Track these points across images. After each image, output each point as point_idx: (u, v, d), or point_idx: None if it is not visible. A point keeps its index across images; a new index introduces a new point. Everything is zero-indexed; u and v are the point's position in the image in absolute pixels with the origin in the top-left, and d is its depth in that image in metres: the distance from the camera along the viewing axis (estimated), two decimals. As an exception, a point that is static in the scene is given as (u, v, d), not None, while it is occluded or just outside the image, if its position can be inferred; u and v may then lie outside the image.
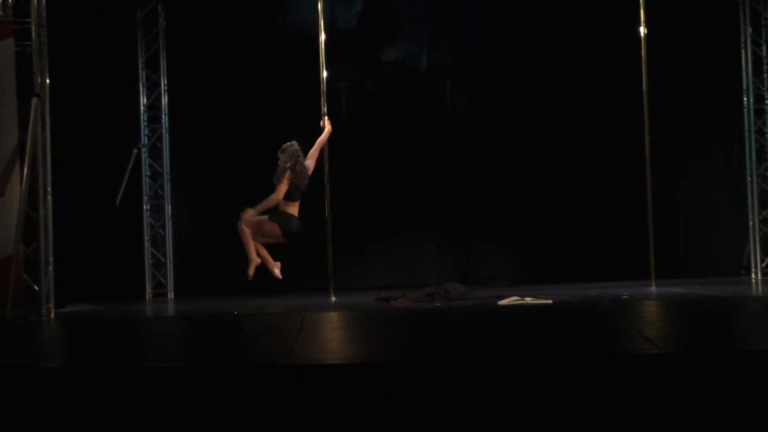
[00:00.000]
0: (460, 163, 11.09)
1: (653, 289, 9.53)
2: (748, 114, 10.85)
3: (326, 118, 9.19)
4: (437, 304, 8.52)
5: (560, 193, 11.00)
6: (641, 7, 9.79)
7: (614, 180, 10.87)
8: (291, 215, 8.65)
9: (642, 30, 9.80)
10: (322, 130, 9.07)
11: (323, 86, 9.53)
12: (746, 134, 10.87)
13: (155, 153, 11.20)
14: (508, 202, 11.07)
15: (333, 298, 9.42)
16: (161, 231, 11.17)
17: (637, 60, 9.87)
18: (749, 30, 10.81)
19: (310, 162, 8.71)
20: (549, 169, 11.01)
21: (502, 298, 8.45)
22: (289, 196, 8.60)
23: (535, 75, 11.06)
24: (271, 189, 8.62)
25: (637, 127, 10.01)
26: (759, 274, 10.56)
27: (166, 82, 11.18)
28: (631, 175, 10.34)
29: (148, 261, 11.10)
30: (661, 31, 10.41)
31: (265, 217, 8.64)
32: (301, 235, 8.76)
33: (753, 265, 10.72)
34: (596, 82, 10.94)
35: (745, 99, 10.86)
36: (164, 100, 11.19)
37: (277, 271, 8.79)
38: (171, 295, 11.08)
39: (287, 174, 8.53)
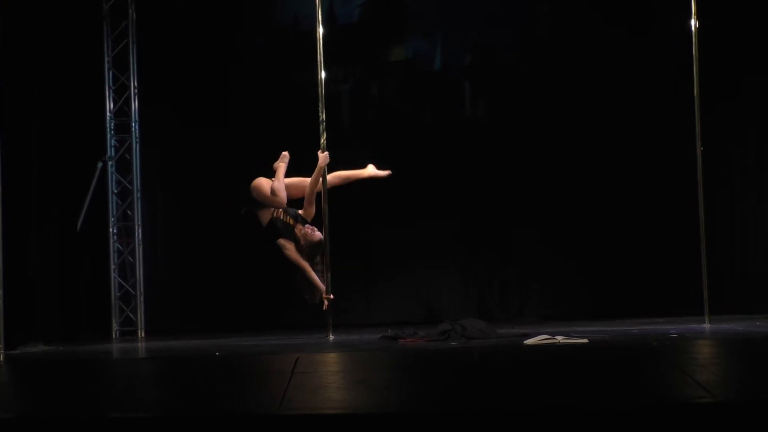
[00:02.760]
0: (480, 179, 11.12)
1: (707, 326, 9.51)
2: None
3: (326, 153, 9.20)
4: (453, 344, 8.52)
5: (597, 215, 11.02)
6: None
7: (660, 199, 10.90)
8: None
9: (693, 23, 9.82)
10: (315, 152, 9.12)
11: (321, 90, 9.56)
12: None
13: (124, 167, 11.25)
14: (537, 226, 11.09)
15: (331, 337, 9.41)
16: (130, 258, 11.20)
17: (685, 60, 9.90)
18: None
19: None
20: (584, 187, 11.03)
21: (529, 336, 8.44)
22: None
23: (567, 76, 11.11)
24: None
25: (685, 138, 10.03)
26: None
27: (136, 84, 11.25)
28: (680, 193, 10.37)
29: (114, 293, 11.13)
30: (714, 26, 10.45)
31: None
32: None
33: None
34: (638, 84, 10.99)
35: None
36: (134, 105, 11.25)
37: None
38: (141, 333, 11.10)
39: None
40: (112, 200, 11.20)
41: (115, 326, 11.10)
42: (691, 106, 9.71)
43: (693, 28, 9.81)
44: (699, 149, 9.76)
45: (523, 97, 11.21)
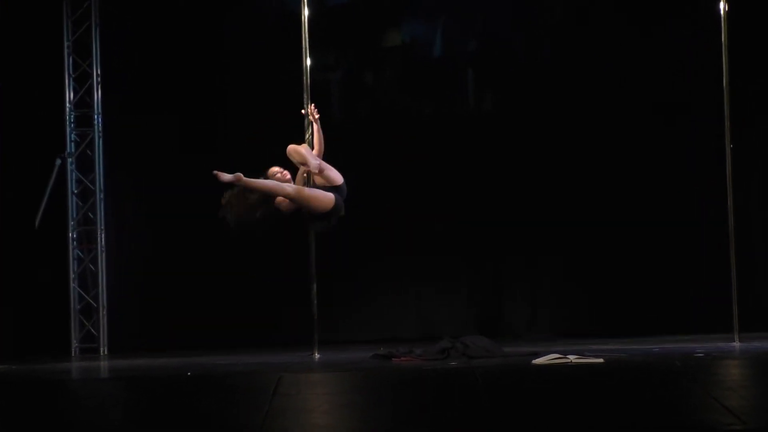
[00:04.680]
0: (484, 180, 11.13)
1: (736, 344, 9.54)
2: None
3: (312, 107, 9.14)
4: (453, 363, 8.53)
5: (615, 220, 11.02)
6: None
7: (684, 203, 10.92)
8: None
9: (722, 6, 9.85)
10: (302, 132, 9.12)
11: (306, 79, 9.58)
12: None
13: (85, 164, 11.26)
14: (548, 232, 11.09)
15: (317, 355, 9.43)
16: (92, 266, 11.20)
17: (713, 47, 9.94)
18: None
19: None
20: (601, 189, 11.03)
21: (538, 355, 8.45)
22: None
23: (582, 65, 11.13)
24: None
25: (712, 135, 10.07)
26: None
27: (99, 72, 11.25)
28: (707, 198, 10.41)
29: (74, 306, 11.13)
30: (745, 9, 10.49)
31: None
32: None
33: None
34: (660, 75, 11.00)
35: None
36: (97, 95, 11.26)
37: None
38: (104, 350, 11.10)
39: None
40: (72, 201, 11.20)
41: (74, 343, 11.10)
42: (719, 96, 9.75)
43: (722, 12, 9.84)
44: (728, 147, 9.79)
45: (534, 88, 11.22)
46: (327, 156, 9.46)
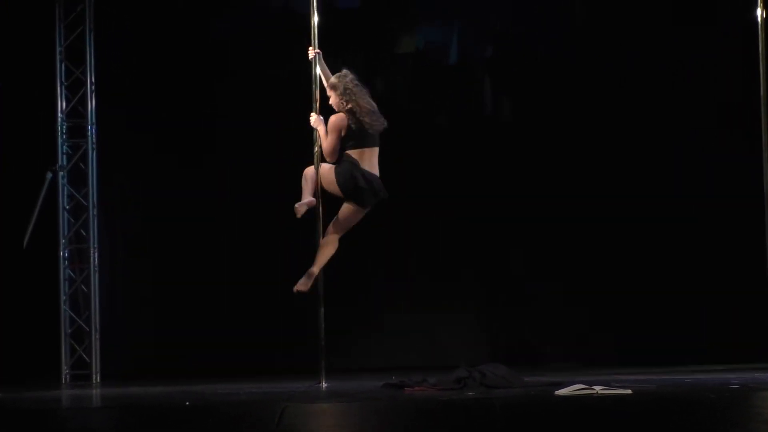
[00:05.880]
0: (503, 192, 11.14)
1: (774, 375, 9.54)
2: None
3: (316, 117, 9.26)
4: (470, 393, 8.53)
5: (644, 239, 11.05)
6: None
7: (717, 221, 10.93)
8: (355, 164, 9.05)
9: (760, 12, 9.86)
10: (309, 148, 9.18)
11: (315, 86, 9.60)
12: None
13: (78, 178, 11.29)
14: (572, 249, 11.11)
15: (324, 384, 9.43)
16: (84, 288, 11.22)
17: (750, 54, 9.95)
18: None
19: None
20: (629, 205, 11.05)
21: (562, 385, 8.45)
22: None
23: (605, 72, 11.16)
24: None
25: (748, 148, 10.07)
26: None
27: (93, 80, 11.30)
28: (741, 214, 10.41)
29: (65, 330, 11.15)
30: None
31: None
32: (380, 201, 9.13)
33: None
34: (691, 83, 11.00)
35: None
36: (91, 104, 11.30)
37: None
38: (97, 377, 11.12)
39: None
40: (63, 218, 11.23)
41: (65, 369, 11.11)
42: (756, 109, 9.75)
43: (759, 19, 9.85)
44: (766, 159, 9.80)
45: (554, 95, 11.25)
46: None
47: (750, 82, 9.99)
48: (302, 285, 9.08)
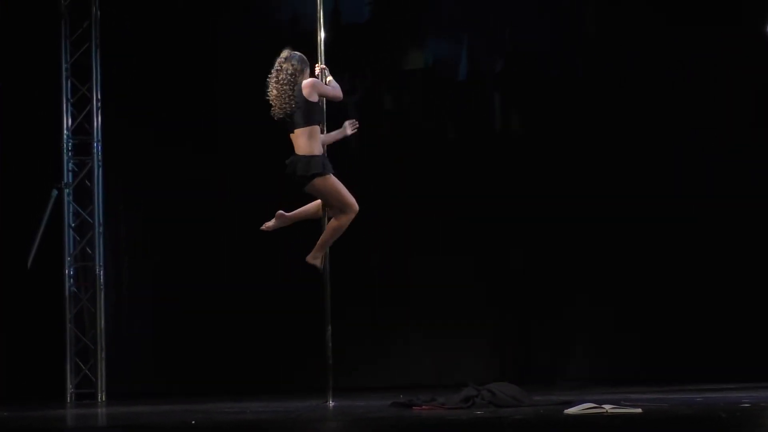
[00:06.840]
0: (513, 208, 11.13)
1: (786, 393, 9.52)
2: None
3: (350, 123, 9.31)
4: (479, 412, 8.52)
5: (654, 258, 11.02)
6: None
7: (732, 239, 10.89)
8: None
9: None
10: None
11: (323, 104, 9.60)
12: None
13: (83, 196, 11.30)
14: (581, 270, 11.10)
15: (331, 403, 9.42)
16: (90, 306, 11.22)
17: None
18: None
19: None
20: (639, 222, 11.02)
21: (571, 404, 8.44)
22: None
23: (618, 86, 11.14)
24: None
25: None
26: None
27: (99, 97, 11.31)
28: (758, 231, 10.38)
29: (70, 348, 11.15)
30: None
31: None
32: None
33: None
34: (710, 96, 10.97)
35: None
36: (97, 121, 11.31)
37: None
38: (102, 396, 11.12)
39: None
40: (69, 236, 11.24)
41: (70, 388, 11.11)
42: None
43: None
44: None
45: (565, 110, 11.24)
46: (347, 182, 9.50)
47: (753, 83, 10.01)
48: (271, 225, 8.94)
